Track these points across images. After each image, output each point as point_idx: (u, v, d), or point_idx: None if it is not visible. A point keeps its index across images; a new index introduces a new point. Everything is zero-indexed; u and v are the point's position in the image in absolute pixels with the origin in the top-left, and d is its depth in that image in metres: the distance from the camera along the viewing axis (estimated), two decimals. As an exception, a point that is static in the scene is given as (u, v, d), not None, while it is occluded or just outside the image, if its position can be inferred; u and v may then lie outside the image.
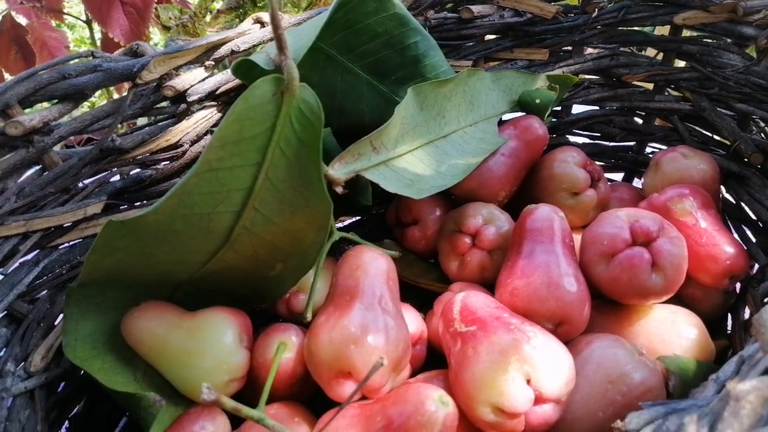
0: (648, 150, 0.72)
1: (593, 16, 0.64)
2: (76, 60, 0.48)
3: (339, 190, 0.44)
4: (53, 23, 1.81)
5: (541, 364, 0.41)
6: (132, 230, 0.40)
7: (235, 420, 0.47)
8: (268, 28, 0.54)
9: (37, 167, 0.49)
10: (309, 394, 0.51)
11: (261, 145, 0.38)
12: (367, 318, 0.44)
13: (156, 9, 1.55)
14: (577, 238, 0.56)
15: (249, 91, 0.35)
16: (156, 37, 2.23)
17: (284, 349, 0.46)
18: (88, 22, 1.78)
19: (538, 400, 0.41)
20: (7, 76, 1.68)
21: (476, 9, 0.63)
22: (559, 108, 0.71)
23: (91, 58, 0.48)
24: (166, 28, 1.55)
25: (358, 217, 0.73)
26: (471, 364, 0.42)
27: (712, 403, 0.32)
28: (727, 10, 0.61)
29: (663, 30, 0.69)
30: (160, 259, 0.44)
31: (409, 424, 0.38)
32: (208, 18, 1.56)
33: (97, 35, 1.78)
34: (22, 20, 1.69)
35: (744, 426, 0.27)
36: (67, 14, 1.72)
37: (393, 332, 0.44)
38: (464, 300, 0.49)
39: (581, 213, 0.61)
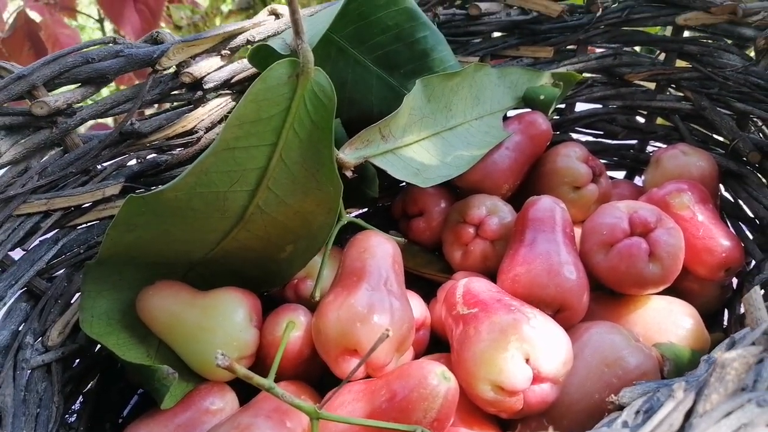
0: (649, 148, 0.73)
1: (597, 15, 0.66)
2: (99, 45, 0.50)
3: (348, 174, 0.46)
4: (66, 21, 1.84)
5: (539, 343, 0.43)
6: (151, 206, 0.41)
7: (242, 398, 0.49)
8: (282, 20, 0.56)
9: (59, 148, 0.51)
10: (316, 376, 0.52)
11: (276, 126, 0.40)
12: (374, 298, 0.45)
13: (168, 8, 1.57)
14: (578, 231, 0.58)
15: (267, 73, 0.37)
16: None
17: (293, 327, 0.48)
18: (100, 21, 1.80)
19: (536, 379, 0.43)
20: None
21: (484, 6, 0.64)
22: (562, 105, 0.72)
23: (112, 44, 0.50)
24: (177, 27, 1.58)
25: (364, 209, 0.75)
26: (472, 343, 0.44)
27: (702, 377, 0.33)
28: (727, 12, 0.62)
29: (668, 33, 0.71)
30: (177, 237, 0.45)
31: (412, 397, 0.39)
32: (218, 20, 1.59)
33: (109, 34, 1.81)
34: (36, 17, 1.71)
35: (728, 390, 0.29)
36: (79, 12, 1.75)
37: (398, 312, 0.45)
38: (467, 285, 0.51)
39: (583, 207, 0.63)
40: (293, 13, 0.37)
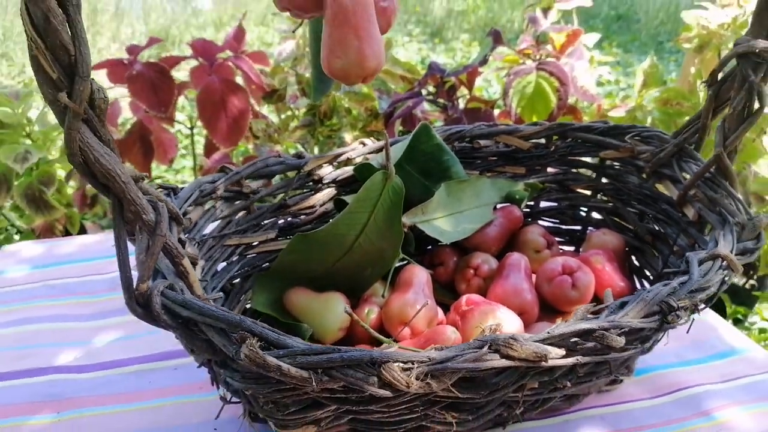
0: (589, 231, 1.14)
1: (552, 149, 1.09)
2: (273, 158, 0.92)
3: (405, 229, 0.87)
4: (165, 126, 2.34)
5: (503, 320, 0.81)
6: (308, 239, 0.82)
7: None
8: (366, 147, 0.99)
9: (245, 211, 0.92)
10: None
11: (373, 202, 0.81)
12: (417, 296, 0.84)
13: (250, 123, 2.06)
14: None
15: (372, 177, 0.79)
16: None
17: (371, 312, 0.86)
18: (191, 128, 2.29)
19: (503, 340, 0.80)
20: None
21: (482, 142, 1.08)
22: (532, 203, 1.14)
23: (278, 157, 0.93)
24: (255, 137, 2.05)
25: (406, 261, 1.14)
26: (468, 321, 0.82)
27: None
28: (629, 152, 1.05)
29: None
30: (313, 258, 0.86)
31: (437, 340, 0.77)
32: (287, 134, 2.06)
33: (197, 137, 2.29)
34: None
35: (578, 317, 0.67)
36: (177, 122, 2.25)
37: (430, 304, 0.84)
38: (468, 296, 0.90)
39: (540, 263, 1.02)
40: (387, 150, 0.80)
